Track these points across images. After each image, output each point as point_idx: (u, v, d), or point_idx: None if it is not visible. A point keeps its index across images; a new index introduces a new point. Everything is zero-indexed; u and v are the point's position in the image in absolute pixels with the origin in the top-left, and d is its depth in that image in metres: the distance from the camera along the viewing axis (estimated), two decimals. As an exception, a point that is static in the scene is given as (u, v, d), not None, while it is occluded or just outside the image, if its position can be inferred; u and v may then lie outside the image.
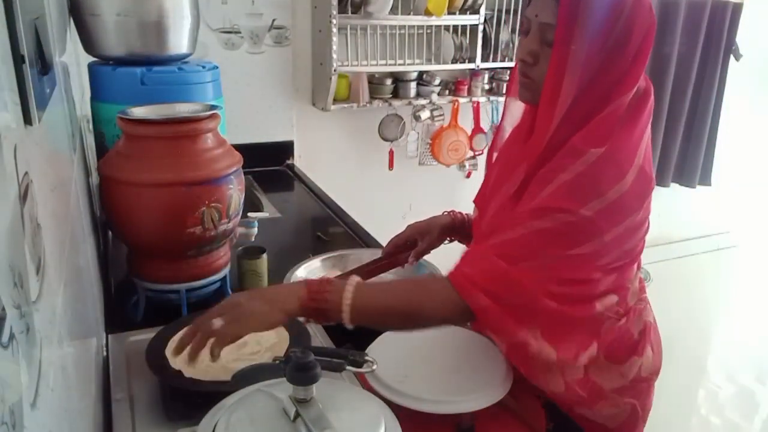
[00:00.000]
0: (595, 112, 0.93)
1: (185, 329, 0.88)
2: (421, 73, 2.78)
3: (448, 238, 1.27)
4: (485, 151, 3.05)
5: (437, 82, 2.78)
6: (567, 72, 0.89)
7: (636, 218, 0.95)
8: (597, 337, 1.00)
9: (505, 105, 1.12)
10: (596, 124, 0.93)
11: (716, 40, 3.44)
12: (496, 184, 1.08)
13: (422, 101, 2.77)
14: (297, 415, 0.66)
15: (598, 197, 0.90)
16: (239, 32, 2.39)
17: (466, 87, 2.85)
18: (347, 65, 2.55)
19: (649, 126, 0.99)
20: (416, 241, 1.24)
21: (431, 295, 0.94)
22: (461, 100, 2.84)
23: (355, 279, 0.91)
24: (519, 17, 2.69)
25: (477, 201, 1.18)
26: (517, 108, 1.09)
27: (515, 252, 0.92)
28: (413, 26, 2.65)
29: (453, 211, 1.28)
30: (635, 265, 1.05)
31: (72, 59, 1.40)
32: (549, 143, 0.94)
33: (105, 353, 1.00)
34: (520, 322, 0.92)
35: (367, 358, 0.77)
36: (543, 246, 0.92)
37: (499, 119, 1.22)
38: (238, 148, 1.26)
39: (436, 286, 0.95)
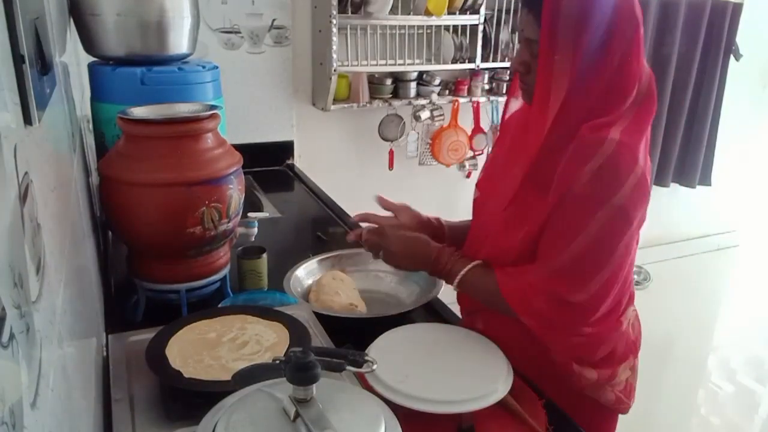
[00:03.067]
0: (596, 110, 0.99)
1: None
2: (421, 73, 2.77)
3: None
4: (485, 151, 3.05)
5: (437, 82, 2.78)
6: (554, 80, 0.97)
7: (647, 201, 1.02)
8: (632, 349, 1.16)
9: (507, 102, 1.19)
10: (606, 117, 0.99)
11: (716, 40, 3.44)
12: (502, 171, 1.15)
13: (422, 101, 2.77)
14: (297, 415, 0.66)
15: (621, 186, 0.96)
16: (239, 32, 2.39)
17: (466, 87, 2.85)
18: (347, 65, 2.55)
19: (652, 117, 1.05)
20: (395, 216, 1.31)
21: (498, 304, 1.10)
22: (461, 100, 2.84)
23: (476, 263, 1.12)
24: (519, 17, 2.69)
25: (480, 184, 1.23)
26: (518, 103, 1.16)
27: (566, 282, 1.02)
28: (413, 26, 2.65)
29: (439, 220, 1.32)
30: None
31: (72, 59, 1.41)
32: (556, 135, 0.99)
33: (105, 353, 1.00)
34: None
35: (367, 358, 0.77)
36: (590, 266, 1.00)
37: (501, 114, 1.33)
38: (238, 148, 1.26)
39: (503, 303, 1.08)
